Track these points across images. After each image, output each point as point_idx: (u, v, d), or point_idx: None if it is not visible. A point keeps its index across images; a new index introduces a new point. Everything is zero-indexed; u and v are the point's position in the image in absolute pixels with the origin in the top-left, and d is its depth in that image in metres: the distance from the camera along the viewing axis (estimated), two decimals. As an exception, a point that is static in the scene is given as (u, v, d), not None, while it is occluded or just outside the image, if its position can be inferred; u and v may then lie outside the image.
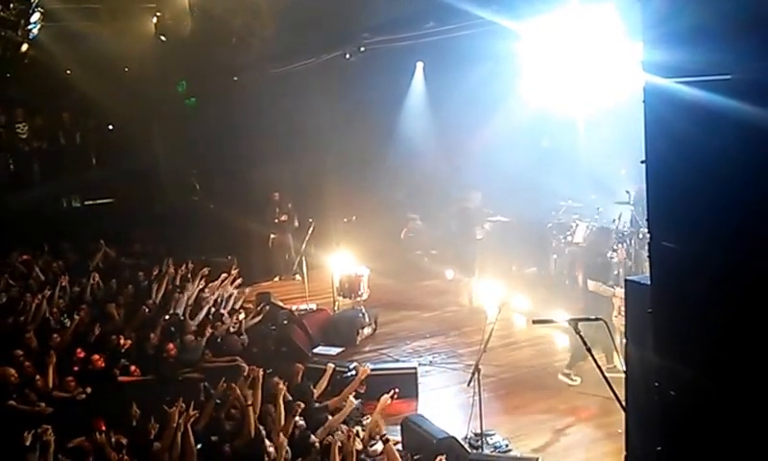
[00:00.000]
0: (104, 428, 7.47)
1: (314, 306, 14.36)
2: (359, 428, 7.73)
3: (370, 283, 13.78)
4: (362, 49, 13.63)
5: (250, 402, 7.78)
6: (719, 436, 4.00)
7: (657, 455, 4.52)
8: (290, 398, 8.30)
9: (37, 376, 9.35)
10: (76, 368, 9.95)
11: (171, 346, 10.73)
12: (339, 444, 7.17)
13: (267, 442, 7.31)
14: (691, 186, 3.99)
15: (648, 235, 4.45)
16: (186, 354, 10.81)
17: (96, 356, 10.12)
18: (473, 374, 8.61)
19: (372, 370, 9.89)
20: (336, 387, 9.56)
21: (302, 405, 7.90)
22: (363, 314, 13.22)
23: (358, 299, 13.52)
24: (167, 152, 19.48)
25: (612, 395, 6.07)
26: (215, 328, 11.64)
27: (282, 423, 7.74)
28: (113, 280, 13.51)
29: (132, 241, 17.09)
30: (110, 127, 19.14)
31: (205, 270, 14.05)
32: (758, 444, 3.75)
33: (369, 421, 8.32)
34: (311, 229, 15.44)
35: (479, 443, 8.66)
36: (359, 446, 7.38)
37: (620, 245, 11.68)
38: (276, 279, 17.36)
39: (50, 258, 14.91)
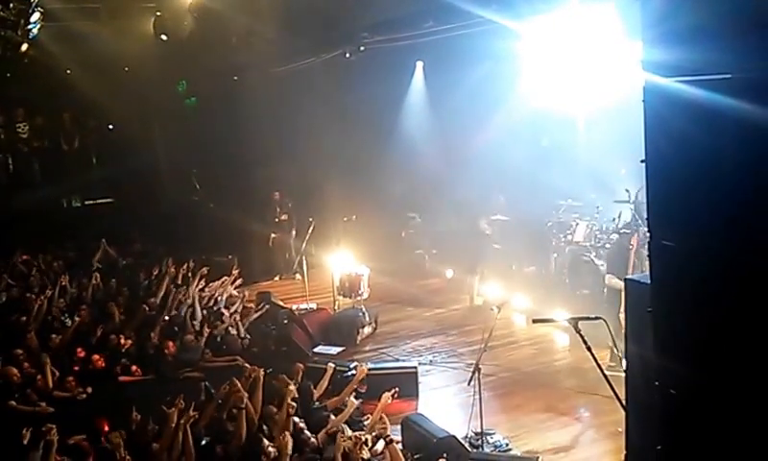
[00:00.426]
0: (107, 429, 7.49)
1: (314, 306, 14.38)
2: (368, 436, 7.68)
3: (370, 282, 13.78)
4: (362, 48, 13.63)
5: (243, 405, 7.77)
6: (719, 435, 4.00)
7: (657, 454, 4.52)
8: (295, 395, 8.34)
9: (38, 376, 9.37)
10: (76, 368, 9.98)
11: (171, 345, 10.74)
12: (345, 450, 7.17)
13: (266, 442, 7.29)
14: (691, 185, 3.99)
15: (648, 234, 4.45)
16: (186, 354, 10.81)
17: (96, 356, 10.15)
18: (474, 373, 8.60)
19: (373, 369, 9.89)
20: (336, 387, 9.56)
21: (294, 405, 7.88)
22: (363, 313, 13.23)
23: (358, 298, 13.52)
24: (167, 151, 19.52)
25: (611, 394, 6.08)
26: (215, 328, 11.66)
27: (289, 428, 7.72)
28: (113, 280, 13.52)
29: (132, 241, 17.12)
30: (111, 126, 19.13)
31: (204, 269, 14.06)
32: (758, 442, 3.75)
33: (369, 420, 8.30)
34: (311, 228, 15.44)
35: (479, 442, 8.66)
36: (366, 455, 7.35)
37: (634, 234, 11.59)
38: (277, 278, 17.36)
39: (50, 258, 14.93)
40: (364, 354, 12.19)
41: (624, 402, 6.11)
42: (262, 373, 8.50)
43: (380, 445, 7.70)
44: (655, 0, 4.18)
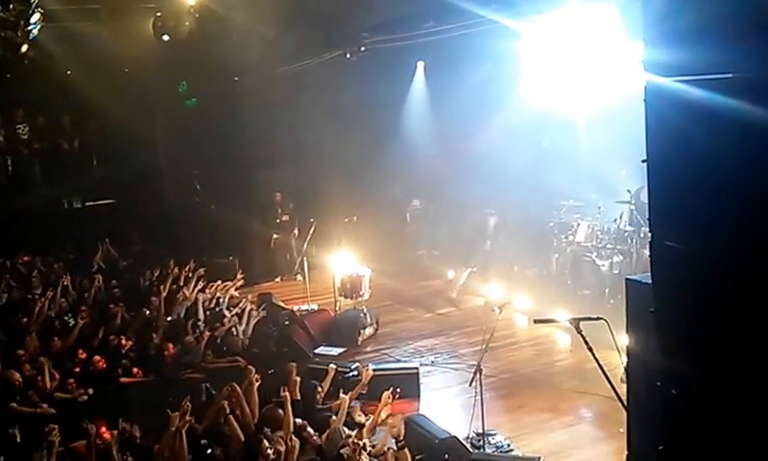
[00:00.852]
0: (104, 431, 7.48)
1: (315, 307, 14.35)
2: (365, 441, 7.66)
3: (371, 283, 13.78)
4: (362, 49, 13.63)
5: (237, 409, 7.76)
6: (721, 435, 3.99)
7: (658, 455, 4.52)
8: (298, 397, 8.36)
9: (39, 378, 9.37)
10: (77, 369, 9.97)
11: (171, 347, 10.73)
12: (345, 457, 7.17)
13: (266, 444, 7.27)
14: (692, 185, 3.97)
15: (649, 234, 4.44)
16: (187, 355, 10.80)
17: (97, 357, 10.16)
18: (475, 373, 8.59)
19: (374, 370, 9.88)
20: (338, 388, 9.55)
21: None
22: (364, 314, 13.22)
23: (359, 299, 13.51)
24: (168, 152, 19.50)
25: (613, 394, 6.07)
26: (216, 329, 11.65)
27: (291, 429, 7.71)
28: (114, 281, 13.52)
29: (133, 242, 17.12)
30: (111, 127, 19.09)
31: (201, 270, 14.04)
32: (760, 443, 3.74)
33: (370, 422, 8.28)
34: (312, 229, 15.44)
35: (481, 443, 8.65)
36: (365, 459, 7.34)
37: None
38: (278, 279, 17.34)
39: (51, 259, 14.93)
40: (365, 355, 12.17)
41: (626, 403, 6.10)
42: (256, 379, 8.46)
43: (391, 442, 7.71)
44: (656, 0, 4.17)
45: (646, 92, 4.23)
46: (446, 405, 10.12)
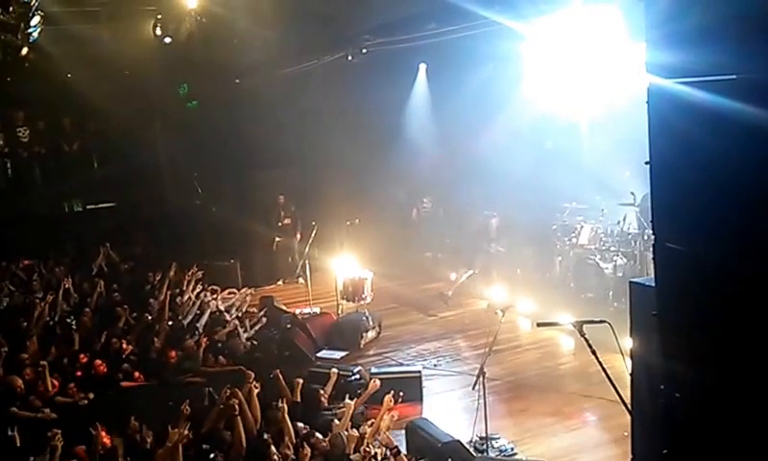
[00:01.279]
0: (104, 435, 7.46)
1: (317, 310, 14.36)
2: (377, 451, 7.61)
3: (373, 287, 13.77)
4: (364, 51, 13.59)
5: (237, 413, 7.74)
6: (725, 439, 3.97)
7: (662, 458, 4.48)
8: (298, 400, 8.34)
9: (40, 382, 9.34)
10: (79, 373, 9.95)
11: (173, 351, 10.70)
12: None
13: (273, 449, 7.24)
14: (696, 187, 3.95)
15: (653, 237, 4.42)
16: (188, 360, 10.77)
17: (98, 362, 10.12)
18: (478, 377, 8.56)
19: (377, 373, 9.86)
20: (340, 392, 9.51)
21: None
22: (367, 317, 13.19)
23: (362, 302, 13.51)
24: (169, 155, 19.48)
25: (617, 398, 6.04)
26: (216, 333, 11.62)
27: (292, 436, 7.68)
28: (115, 285, 13.49)
29: (134, 245, 17.09)
30: (112, 129, 19.09)
31: (199, 273, 14.01)
32: (764, 447, 3.71)
33: (373, 425, 8.25)
34: (314, 232, 15.41)
35: (484, 446, 8.65)
36: None
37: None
38: (280, 282, 17.33)
39: (52, 263, 14.91)
40: (368, 359, 12.16)
41: (629, 407, 6.07)
42: (255, 386, 8.43)
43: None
44: (659, 1, 4.14)
45: (649, 94, 4.21)
46: (449, 409, 10.10)
